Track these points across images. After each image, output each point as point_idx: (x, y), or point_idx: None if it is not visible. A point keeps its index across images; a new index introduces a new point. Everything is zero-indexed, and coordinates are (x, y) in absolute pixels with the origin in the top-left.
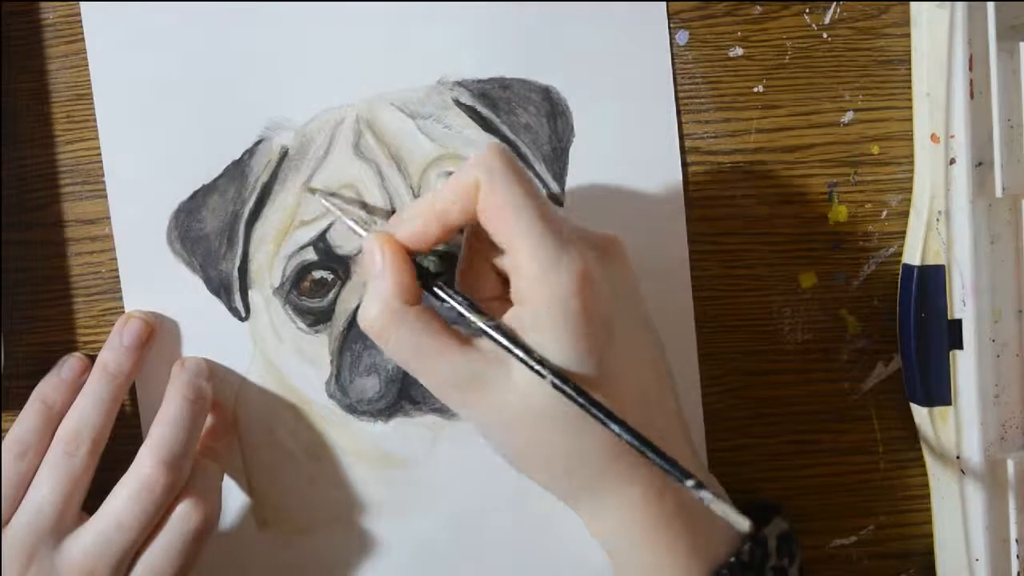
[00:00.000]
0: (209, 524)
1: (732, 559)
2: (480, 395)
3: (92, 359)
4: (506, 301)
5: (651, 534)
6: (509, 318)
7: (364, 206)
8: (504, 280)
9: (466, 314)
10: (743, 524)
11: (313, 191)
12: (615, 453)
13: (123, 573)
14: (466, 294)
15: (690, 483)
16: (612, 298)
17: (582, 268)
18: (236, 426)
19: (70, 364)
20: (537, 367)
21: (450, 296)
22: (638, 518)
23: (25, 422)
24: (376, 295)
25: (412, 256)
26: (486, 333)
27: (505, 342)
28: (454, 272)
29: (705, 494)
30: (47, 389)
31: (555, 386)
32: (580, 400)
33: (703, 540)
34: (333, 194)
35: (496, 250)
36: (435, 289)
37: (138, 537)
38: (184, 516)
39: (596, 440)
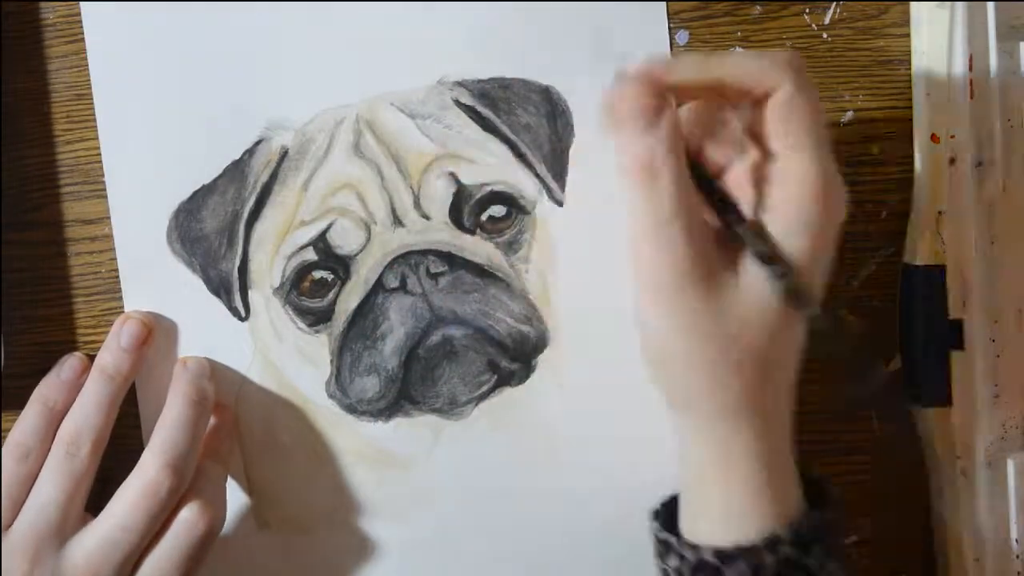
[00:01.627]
0: (215, 528)
1: (816, 512)
2: (708, 283)
3: (92, 359)
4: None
5: (754, 472)
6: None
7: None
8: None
9: (728, 204)
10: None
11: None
12: (761, 381)
13: (127, 574)
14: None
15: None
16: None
17: (844, 201)
18: (237, 426)
19: (70, 364)
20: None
21: (714, 188)
22: (754, 449)
23: (25, 423)
24: (664, 131)
25: None
26: (733, 230)
27: (754, 239)
28: None
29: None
30: (47, 390)
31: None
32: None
33: (790, 494)
34: None
35: (751, 150)
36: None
37: (142, 540)
38: (189, 520)
39: (765, 366)
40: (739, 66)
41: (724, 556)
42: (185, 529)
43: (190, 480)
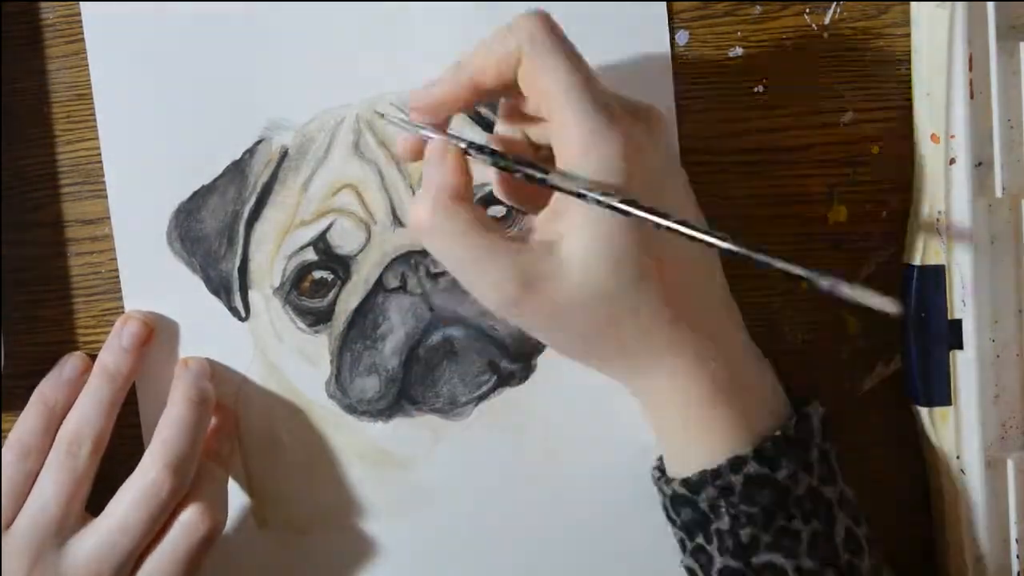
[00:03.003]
0: (216, 529)
1: (778, 432)
2: (534, 291)
3: (93, 359)
4: None
5: (699, 403)
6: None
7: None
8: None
9: (520, 168)
10: (891, 306)
11: (381, 115)
12: (666, 321)
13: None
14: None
15: (813, 272)
16: (660, 166)
17: (629, 138)
18: (238, 427)
19: (71, 363)
20: (606, 200)
21: (504, 160)
22: (689, 387)
23: (26, 423)
24: (428, 192)
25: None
26: (545, 183)
27: (568, 185)
28: None
29: (838, 283)
30: (48, 389)
31: (618, 210)
32: (652, 217)
33: (751, 413)
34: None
35: (535, 120)
36: (484, 151)
37: (142, 540)
38: (190, 522)
39: (649, 311)
40: (479, 53)
41: (691, 484)
42: (186, 531)
43: (191, 481)
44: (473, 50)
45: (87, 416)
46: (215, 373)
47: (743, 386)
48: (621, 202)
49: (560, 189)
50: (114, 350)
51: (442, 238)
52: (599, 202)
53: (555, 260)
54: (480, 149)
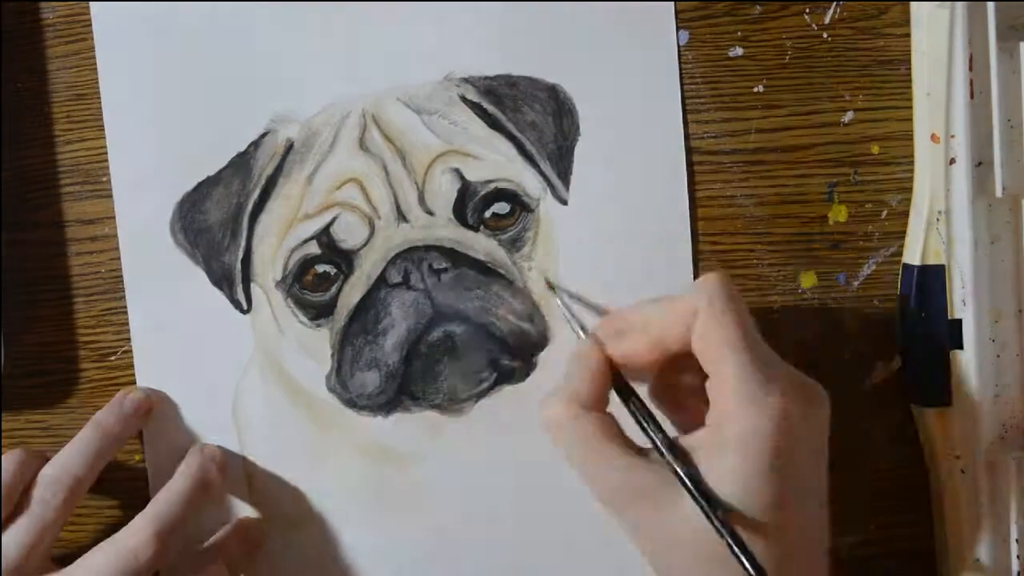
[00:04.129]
0: None
1: None
2: (644, 510)
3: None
4: (697, 408)
5: None
6: (694, 438)
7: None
8: (700, 388)
9: (644, 426)
10: None
11: (552, 287)
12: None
13: None
14: (660, 399)
15: None
16: (804, 447)
17: (784, 407)
18: (261, 545)
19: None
20: (699, 498)
21: (636, 409)
22: None
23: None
24: (563, 393)
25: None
26: (658, 450)
27: (671, 460)
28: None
29: None
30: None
31: (708, 518)
32: (729, 541)
33: None
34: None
35: (702, 373)
36: (624, 400)
37: None
38: None
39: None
40: (663, 309)
41: None
42: None
43: (172, 556)
44: (656, 306)
45: (69, 463)
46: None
47: None
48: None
49: (690, 493)
50: (114, 413)
51: (564, 440)
52: (708, 516)
53: (674, 491)
54: (631, 399)
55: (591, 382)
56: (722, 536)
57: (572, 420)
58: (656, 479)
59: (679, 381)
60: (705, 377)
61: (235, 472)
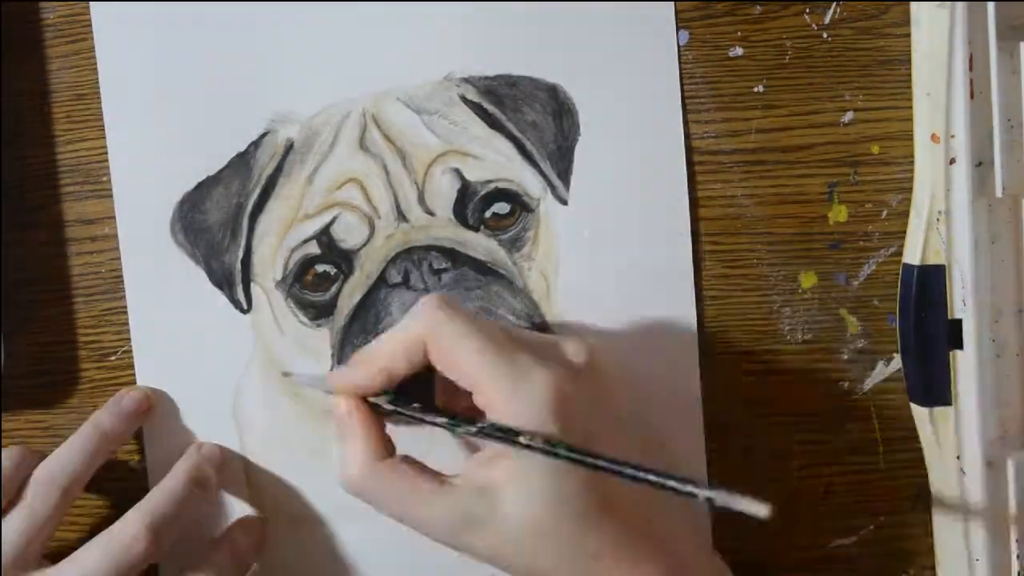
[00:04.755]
0: None
1: None
2: (473, 533)
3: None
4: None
5: None
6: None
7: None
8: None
9: (434, 420)
10: (763, 511)
11: (286, 374)
12: (618, 551)
13: None
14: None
15: (705, 492)
16: (590, 412)
17: (550, 387)
18: (266, 539)
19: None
20: (541, 445)
21: (431, 415)
22: None
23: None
24: (352, 458)
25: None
26: (476, 434)
27: (499, 435)
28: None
29: (720, 498)
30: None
31: (552, 454)
32: (583, 458)
33: None
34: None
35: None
36: (415, 414)
37: None
38: None
39: (598, 543)
40: (389, 342)
41: None
42: None
43: (164, 552)
44: (384, 337)
45: (65, 461)
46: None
47: None
48: (546, 443)
49: (493, 438)
50: (112, 413)
51: (375, 497)
52: (529, 447)
53: (488, 503)
54: (405, 406)
55: (365, 434)
56: (582, 462)
57: (375, 478)
58: (471, 496)
59: (457, 395)
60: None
61: (235, 471)
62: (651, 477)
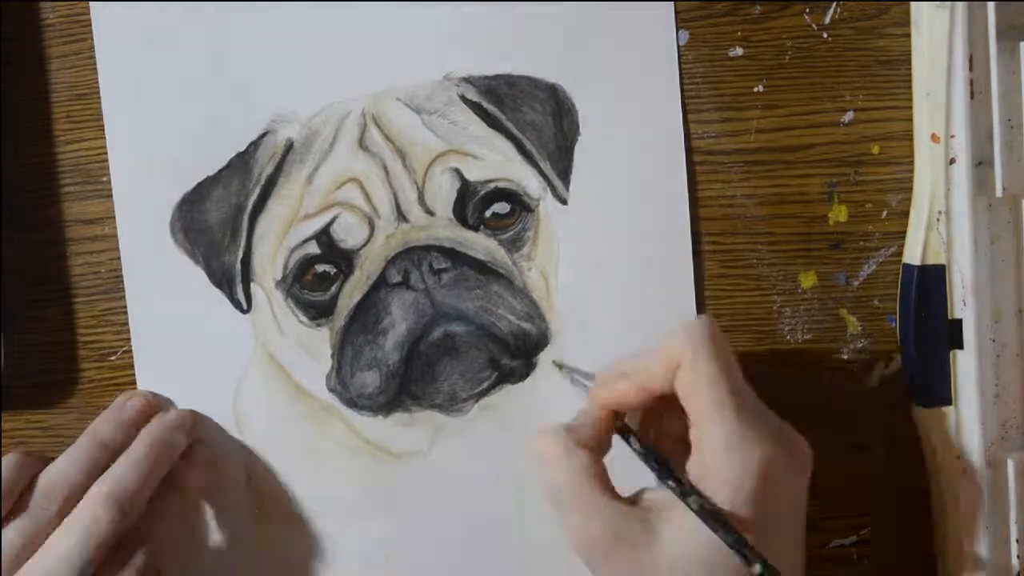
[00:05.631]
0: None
1: None
2: (621, 552)
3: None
4: (680, 451)
5: None
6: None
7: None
8: (683, 434)
9: (656, 469)
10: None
11: (560, 366)
12: None
13: None
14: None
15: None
16: (782, 498)
17: (766, 458)
18: (215, 468)
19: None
20: (707, 518)
21: (647, 455)
22: None
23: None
24: (557, 428)
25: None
26: (667, 485)
27: (680, 491)
28: None
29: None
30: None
31: (711, 526)
32: (739, 548)
33: None
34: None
35: (684, 418)
36: (630, 441)
37: (82, 572)
38: (134, 565)
39: None
40: (651, 357)
41: None
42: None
43: (135, 519)
44: (642, 354)
45: (65, 473)
46: (200, 422)
47: None
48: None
49: (683, 500)
50: (111, 419)
51: (555, 476)
52: (705, 520)
53: (650, 534)
54: (633, 441)
55: (590, 424)
56: (740, 555)
57: (566, 454)
58: (638, 522)
59: (662, 426)
60: (686, 423)
61: (235, 471)
62: None
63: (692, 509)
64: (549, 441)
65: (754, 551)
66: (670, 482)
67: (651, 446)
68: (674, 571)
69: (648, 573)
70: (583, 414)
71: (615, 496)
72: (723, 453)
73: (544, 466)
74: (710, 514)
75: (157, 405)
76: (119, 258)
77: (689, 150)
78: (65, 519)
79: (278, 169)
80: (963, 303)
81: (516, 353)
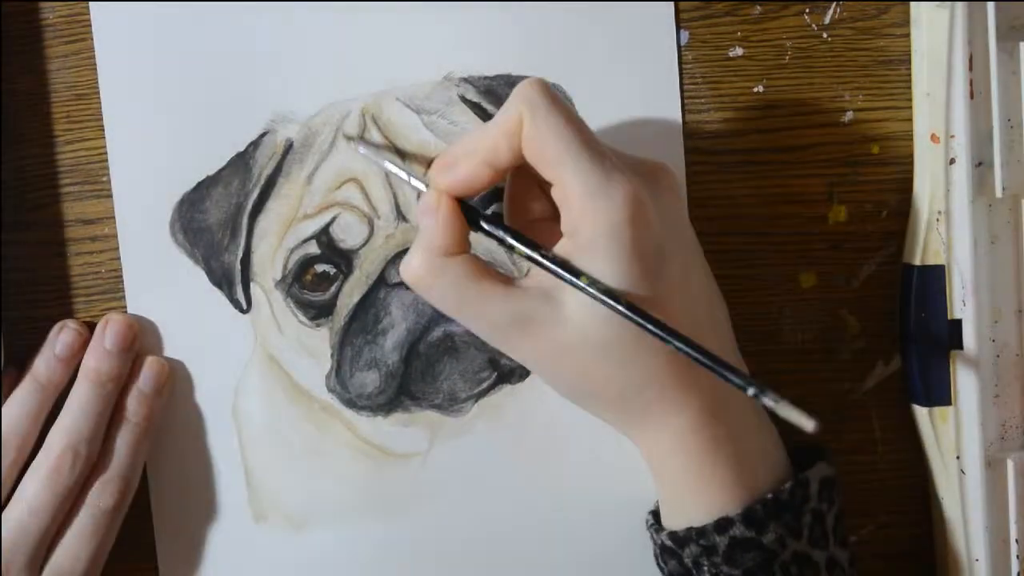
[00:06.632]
0: (121, 500)
1: (769, 496)
2: (529, 334)
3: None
4: (556, 232)
5: (699, 459)
6: (559, 248)
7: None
8: (553, 213)
9: (516, 245)
10: (808, 424)
11: (350, 139)
12: (667, 378)
13: (41, 558)
14: (514, 227)
15: (752, 390)
16: (662, 223)
17: (631, 193)
18: (167, 386)
19: (63, 340)
20: (591, 290)
21: (498, 230)
22: (689, 443)
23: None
24: (421, 247)
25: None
26: (537, 262)
27: (557, 268)
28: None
29: (769, 398)
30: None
31: (610, 306)
32: (636, 317)
33: (748, 473)
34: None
35: (543, 185)
36: (483, 225)
37: (51, 522)
38: (95, 496)
39: (649, 366)
40: (489, 127)
41: (677, 539)
42: (91, 505)
43: (95, 456)
44: (477, 129)
45: (16, 424)
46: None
47: (743, 446)
48: (619, 301)
49: (559, 276)
50: (97, 353)
51: (434, 292)
52: (596, 297)
53: (552, 306)
54: (486, 222)
55: (445, 228)
56: (628, 317)
57: (438, 270)
58: (535, 298)
59: (530, 211)
60: (550, 202)
61: (235, 471)
62: (704, 360)
63: (580, 287)
64: (419, 263)
65: (659, 323)
66: (545, 260)
67: (518, 231)
68: (584, 341)
69: (560, 342)
70: (434, 219)
71: (509, 283)
72: (586, 196)
73: (430, 293)
74: (603, 292)
75: (137, 328)
76: (119, 258)
77: (688, 150)
78: (29, 471)
79: (278, 169)
80: (963, 303)
81: None
